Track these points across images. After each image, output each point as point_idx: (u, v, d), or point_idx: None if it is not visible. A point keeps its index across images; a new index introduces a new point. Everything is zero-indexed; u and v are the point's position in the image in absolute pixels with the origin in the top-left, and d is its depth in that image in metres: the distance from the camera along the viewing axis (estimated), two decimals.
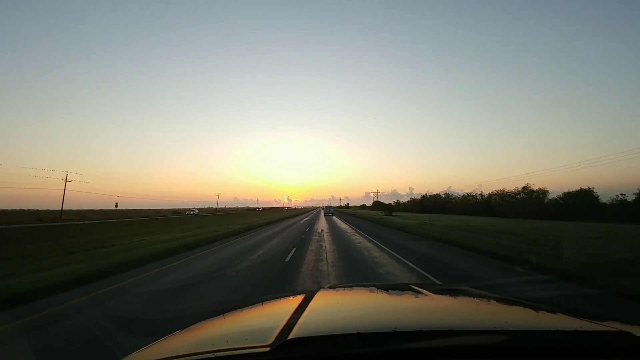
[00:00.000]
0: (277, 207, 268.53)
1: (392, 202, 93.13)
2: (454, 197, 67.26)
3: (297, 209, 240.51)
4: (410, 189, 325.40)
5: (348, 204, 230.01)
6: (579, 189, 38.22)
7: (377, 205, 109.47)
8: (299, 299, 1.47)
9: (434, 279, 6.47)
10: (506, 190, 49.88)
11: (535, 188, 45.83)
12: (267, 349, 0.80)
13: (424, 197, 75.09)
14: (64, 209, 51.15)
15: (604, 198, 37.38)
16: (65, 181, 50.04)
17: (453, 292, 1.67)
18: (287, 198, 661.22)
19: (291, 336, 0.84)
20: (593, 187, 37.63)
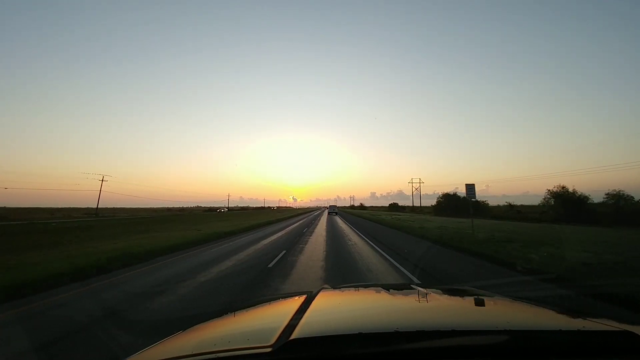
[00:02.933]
0: (267, 207, 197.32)
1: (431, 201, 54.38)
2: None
3: (299, 209, 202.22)
4: (416, 189, 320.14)
5: (362, 203, 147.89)
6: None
7: (450, 203, 47.35)
8: (300, 299, 1.48)
9: None
10: None
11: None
12: (269, 350, 0.81)
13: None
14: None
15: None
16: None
17: (455, 292, 1.66)
18: (293, 198, 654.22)
19: (293, 336, 0.84)
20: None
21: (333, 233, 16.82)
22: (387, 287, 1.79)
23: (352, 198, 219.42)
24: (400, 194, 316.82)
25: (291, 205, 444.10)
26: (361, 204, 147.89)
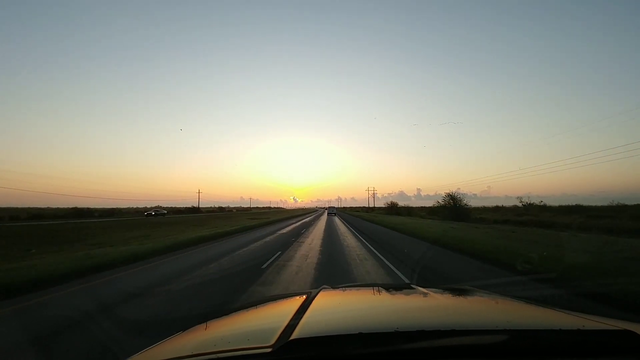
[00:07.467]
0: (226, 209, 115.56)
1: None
2: None
3: (292, 209, 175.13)
4: (418, 189, 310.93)
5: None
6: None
7: None
8: (301, 299, 1.47)
9: None
10: None
11: None
12: (269, 350, 0.80)
13: None
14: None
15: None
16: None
17: (455, 292, 1.67)
18: (294, 199, 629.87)
19: (293, 337, 0.84)
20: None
21: None
22: (387, 287, 1.79)
23: (373, 193, 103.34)
24: (401, 194, 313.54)
25: (282, 207, 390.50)
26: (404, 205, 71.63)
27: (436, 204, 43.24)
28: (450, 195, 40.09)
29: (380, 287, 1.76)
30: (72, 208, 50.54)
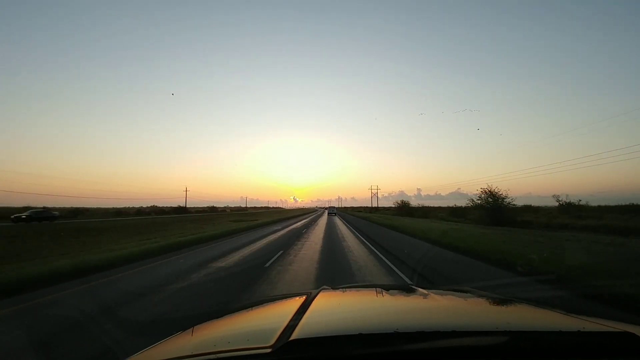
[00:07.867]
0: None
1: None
2: None
3: (290, 209, 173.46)
4: (418, 189, 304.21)
5: None
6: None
7: None
8: (300, 299, 1.47)
9: None
10: None
11: None
12: (268, 350, 0.80)
13: None
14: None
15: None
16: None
17: (455, 293, 1.67)
18: (293, 198, 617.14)
19: (293, 337, 0.84)
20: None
21: None
22: (387, 288, 1.79)
23: (376, 192, 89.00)
24: (402, 194, 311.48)
25: (282, 206, 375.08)
26: None
27: (470, 203, 32.54)
28: (490, 191, 29.38)
29: (380, 288, 1.75)
30: (24, 208, 39.90)
